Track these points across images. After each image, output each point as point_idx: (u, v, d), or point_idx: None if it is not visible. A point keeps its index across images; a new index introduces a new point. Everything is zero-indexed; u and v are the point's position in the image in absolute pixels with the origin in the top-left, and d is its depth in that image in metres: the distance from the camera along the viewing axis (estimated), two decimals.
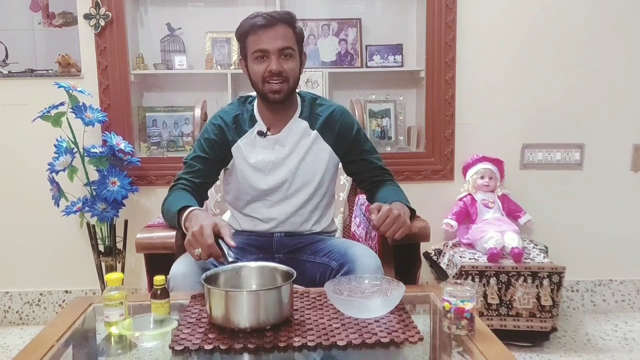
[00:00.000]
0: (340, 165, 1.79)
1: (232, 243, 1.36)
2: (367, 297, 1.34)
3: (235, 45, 2.67)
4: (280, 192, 1.69)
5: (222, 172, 1.77)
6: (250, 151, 1.69)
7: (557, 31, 2.58)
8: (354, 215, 2.13)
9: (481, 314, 2.27)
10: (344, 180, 2.18)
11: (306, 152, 1.69)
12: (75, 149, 2.39)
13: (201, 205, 1.67)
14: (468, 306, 1.18)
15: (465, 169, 2.62)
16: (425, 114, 2.62)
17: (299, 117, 1.71)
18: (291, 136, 1.69)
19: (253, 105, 1.73)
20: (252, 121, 1.71)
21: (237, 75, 2.67)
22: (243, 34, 1.62)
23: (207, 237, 1.34)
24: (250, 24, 1.59)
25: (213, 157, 1.69)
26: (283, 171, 1.68)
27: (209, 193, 2.15)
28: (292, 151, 1.69)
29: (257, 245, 1.72)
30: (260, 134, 1.68)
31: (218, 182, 1.91)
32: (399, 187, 1.74)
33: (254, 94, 1.74)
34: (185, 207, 1.51)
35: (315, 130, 1.70)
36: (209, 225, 1.35)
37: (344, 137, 1.72)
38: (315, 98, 1.76)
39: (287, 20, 1.60)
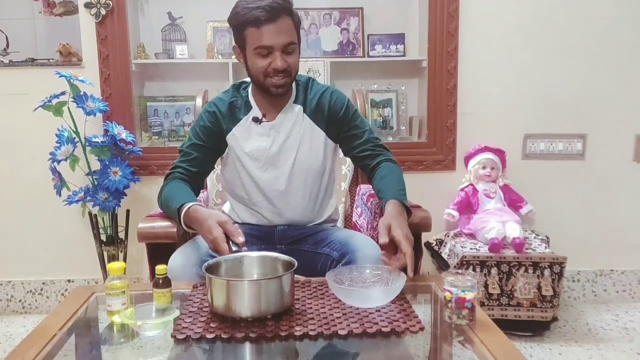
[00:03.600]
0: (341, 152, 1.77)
1: (241, 240, 1.36)
2: (368, 286, 1.34)
3: None
4: (278, 184, 1.67)
5: (219, 161, 1.75)
6: (245, 139, 1.66)
7: (560, 21, 2.56)
8: (355, 205, 2.13)
9: (482, 304, 2.28)
10: (346, 170, 2.18)
11: (301, 140, 1.66)
12: (77, 139, 2.39)
13: (197, 194, 1.66)
14: (469, 296, 1.18)
15: (467, 159, 2.62)
16: (427, 104, 2.61)
17: (293, 102, 1.69)
18: (286, 122, 1.67)
19: (248, 91, 1.70)
20: (247, 107, 1.68)
21: (238, 64, 2.64)
22: (241, 24, 1.54)
23: (224, 251, 1.34)
24: (251, 17, 1.51)
25: (209, 144, 1.67)
26: (280, 161, 1.66)
27: (210, 182, 2.15)
28: (287, 137, 1.66)
29: (259, 235, 1.71)
30: (255, 120, 1.66)
31: (219, 172, 1.90)
32: (395, 169, 1.68)
33: (248, 79, 1.71)
34: (183, 205, 1.49)
35: (307, 116, 1.68)
36: (221, 237, 1.34)
37: (333, 117, 1.69)
38: (308, 80, 1.74)
39: (287, 9, 1.54)
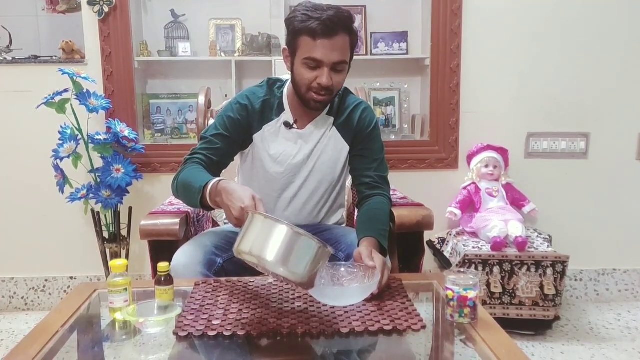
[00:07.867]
0: None
1: None
2: (343, 284, 1.33)
3: (239, 32, 2.66)
4: (291, 189, 1.67)
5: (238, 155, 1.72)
6: (272, 141, 1.64)
7: (563, 19, 2.55)
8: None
9: (484, 303, 2.28)
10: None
11: (323, 150, 1.65)
12: (80, 136, 2.39)
13: None
14: (471, 294, 1.18)
15: (470, 158, 2.62)
16: (430, 102, 2.60)
17: (326, 113, 1.66)
18: (316, 132, 1.65)
19: (282, 93, 1.66)
20: (280, 109, 1.65)
21: (241, 62, 2.66)
22: (296, 31, 1.49)
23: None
24: (308, 27, 1.46)
25: (235, 137, 1.62)
26: (300, 168, 1.65)
27: None
28: (313, 147, 1.65)
29: None
30: (286, 125, 1.64)
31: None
32: (386, 207, 1.64)
33: (284, 78, 1.68)
34: (210, 181, 1.40)
35: (335, 128, 1.66)
36: (252, 208, 1.25)
37: (359, 133, 1.68)
38: (344, 91, 1.70)
39: (347, 26, 1.49)
